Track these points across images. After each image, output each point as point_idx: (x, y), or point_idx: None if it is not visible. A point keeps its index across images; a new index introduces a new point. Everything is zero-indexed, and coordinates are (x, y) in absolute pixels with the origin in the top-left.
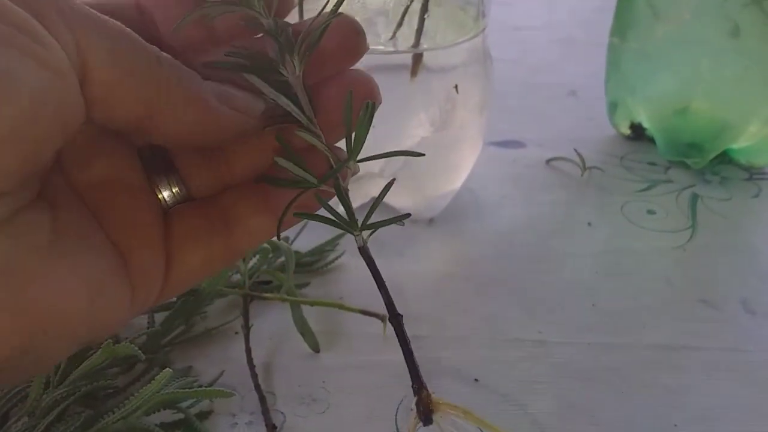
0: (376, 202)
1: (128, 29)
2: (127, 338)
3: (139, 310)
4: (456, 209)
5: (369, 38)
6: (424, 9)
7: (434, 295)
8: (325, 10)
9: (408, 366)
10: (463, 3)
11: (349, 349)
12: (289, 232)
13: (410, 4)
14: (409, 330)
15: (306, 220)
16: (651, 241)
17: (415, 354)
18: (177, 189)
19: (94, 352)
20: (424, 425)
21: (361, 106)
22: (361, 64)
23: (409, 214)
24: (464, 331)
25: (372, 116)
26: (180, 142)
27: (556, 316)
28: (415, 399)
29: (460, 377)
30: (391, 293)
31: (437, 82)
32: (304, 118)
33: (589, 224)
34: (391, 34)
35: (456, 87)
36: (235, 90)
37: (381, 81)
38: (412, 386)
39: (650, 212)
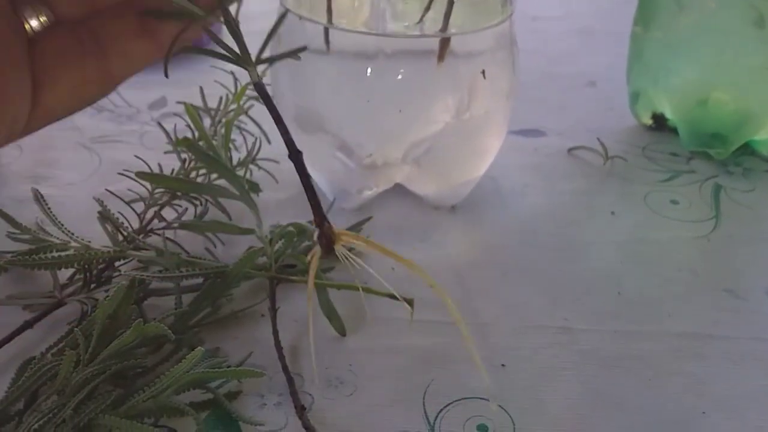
0: (271, 32)
1: None
2: (155, 318)
3: (6, 135)
4: (478, 197)
5: (396, 23)
6: None
7: (457, 282)
8: None
9: (309, 200)
10: None
11: (375, 333)
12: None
13: None
14: (433, 316)
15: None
16: (675, 231)
17: (439, 340)
18: (44, 18)
19: (124, 332)
20: (326, 255)
21: None
22: (389, 47)
23: (305, 47)
24: (488, 317)
25: None
26: None
27: (581, 304)
28: (316, 231)
29: (486, 363)
30: (412, 279)
31: (464, 68)
32: None
33: (613, 213)
34: (418, 18)
35: (483, 72)
36: None
37: (408, 65)
38: (314, 219)
39: (673, 202)
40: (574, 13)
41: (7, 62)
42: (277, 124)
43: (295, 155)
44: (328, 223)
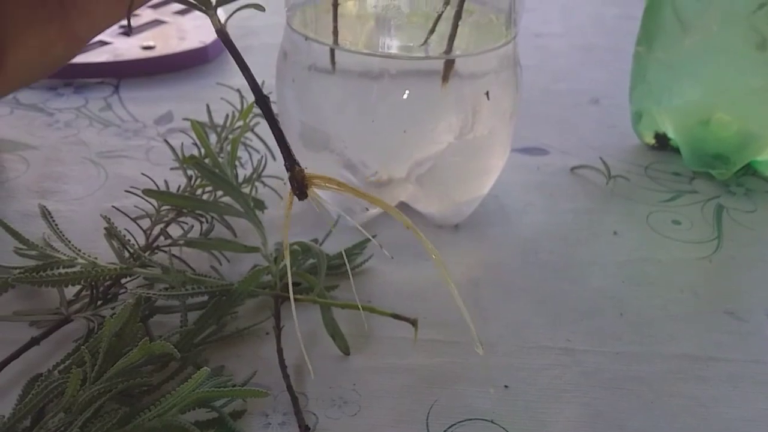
0: None
1: None
2: (161, 336)
3: None
4: (481, 215)
5: (401, 44)
6: (458, 16)
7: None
8: None
9: (279, 145)
10: (495, 10)
11: (379, 353)
12: (317, 235)
13: (443, 11)
14: (431, 335)
15: None
16: (677, 252)
17: (443, 360)
18: None
19: (130, 350)
20: (299, 199)
21: None
22: (394, 68)
23: None
24: (491, 337)
25: None
26: None
27: (583, 325)
28: (288, 175)
29: (489, 383)
30: (416, 298)
31: (468, 89)
32: None
33: (615, 233)
34: (422, 40)
35: (487, 93)
36: None
37: (412, 85)
38: (285, 164)
39: (675, 222)
40: (576, 29)
41: None
42: (242, 71)
43: (262, 100)
44: (300, 166)
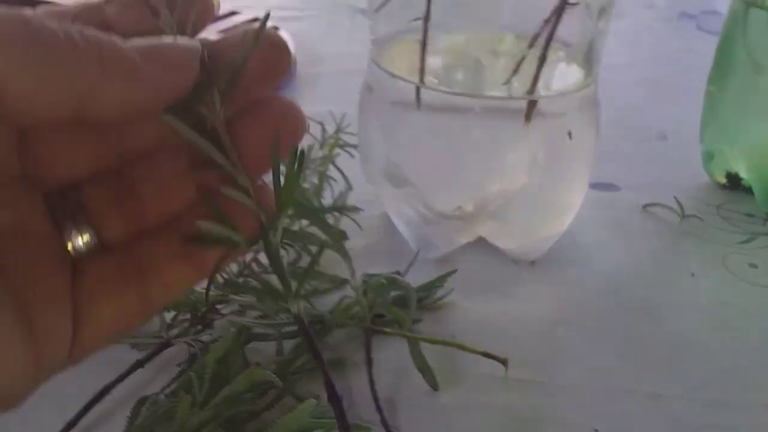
0: (310, 266)
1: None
2: (258, 363)
3: (46, 374)
4: (556, 252)
5: (485, 83)
6: (543, 58)
7: (540, 340)
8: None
9: None
10: (577, 52)
11: (469, 389)
12: (396, 267)
13: (528, 54)
14: (517, 374)
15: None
16: (757, 297)
17: (533, 401)
18: (87, 238)
19: (234, 376)
20: None
21: (288, 148)
22: (478, 105)
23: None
24: (575, 379)
25: (302, 164)
26: (117, 119)
27: (670, 370)
28: None
29: (580, 427)
30: (496, 334)
31: (549, 127)
32: (227, 162)
33: (693, 275)
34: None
35: (570, 133)
36: (164, 40)
37: (495, 124)
38: None
39: (752, 266)
40: (639, 62)
41: (48, 297)
42: (323, 371)
43: (336, 400)
44: None
